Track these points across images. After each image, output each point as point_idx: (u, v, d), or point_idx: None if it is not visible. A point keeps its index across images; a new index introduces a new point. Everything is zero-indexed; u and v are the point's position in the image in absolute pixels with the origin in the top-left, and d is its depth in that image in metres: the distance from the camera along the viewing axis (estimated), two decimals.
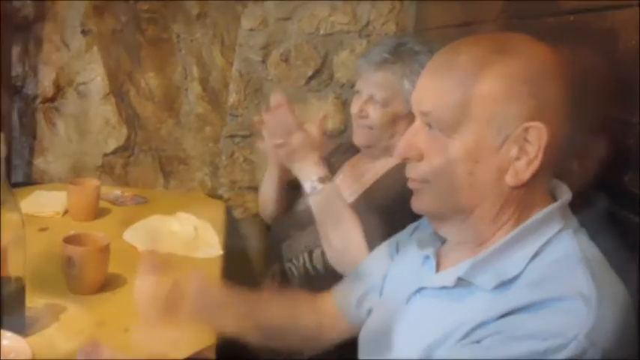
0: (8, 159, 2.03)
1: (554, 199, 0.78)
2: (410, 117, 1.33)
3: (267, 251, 1.76)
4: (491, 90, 0.73)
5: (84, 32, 2.11)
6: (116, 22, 2.18)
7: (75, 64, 2.11)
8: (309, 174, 1.22)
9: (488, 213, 0.76)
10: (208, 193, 2.15)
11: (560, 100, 0.74)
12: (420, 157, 0.78)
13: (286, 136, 1.22)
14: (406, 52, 1.35)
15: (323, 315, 1.06)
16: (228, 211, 2.04)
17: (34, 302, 1.08)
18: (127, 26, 2.20)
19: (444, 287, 0.78)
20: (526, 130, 0.72)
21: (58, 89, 2.12)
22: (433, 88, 0.77)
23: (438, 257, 0.85)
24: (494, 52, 0.74)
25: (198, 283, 0.96)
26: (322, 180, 1.22)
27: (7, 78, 2.00)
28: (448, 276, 0.77)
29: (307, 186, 1.23)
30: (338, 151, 1.61)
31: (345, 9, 1.99)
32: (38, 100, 2.11)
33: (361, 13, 2.00)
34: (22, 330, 0.95)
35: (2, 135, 0.94)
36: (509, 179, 0.74)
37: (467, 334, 0.71)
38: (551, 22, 1.09)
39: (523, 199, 0.76)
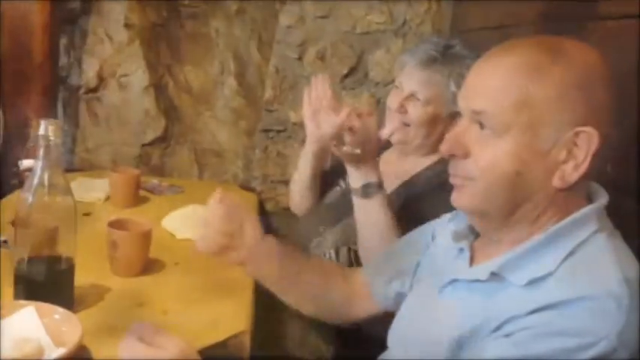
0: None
1: (590, 200, 0.80)
2: (448, 119, 1.35)
3: (297, 244, 1.78)
4: (546, 95, 0.74)
5: (127, 26, 2.17)
6: (158, 17, 2.24)
7: (117, 56, 2.18)
8: (366, 177, 1.21)
9: (531, 213, 0.78)
10: (241, 186, 2.20)
11: (608, 105, 0.76)
12: (467, 154, 0.80)
13: (366, 143, 1.18)
14: (455, 54, 1.34)
15: (353, 289, 1.09)
16: (260, 204, 2.08)
17: (80, 282, 1.13)
18: (168, 21, 2.26)
19: (477, 280, 0.80)
20: (577, 134, 0.74)
21: (101, 80, 2.19)
22: (487, 87, 0.78)
23: (473, 250, 0.87)
24: (550, 57, 0.76)
25: (259, 230, 1.01)
26: (376, 186, 1.21)
27: (55, 69, 2.07)
28: (482, 270, 0.80)
29: (358, 187, 1.21)
30: None
31: (381, 8, 2.02)
32: (82, 91, 2.19)
33: (397, 13, 2.02)
34: (70, 307, 1.00)
35: (57, 122, 0.99)
36: (556, 181, 0.76)
37: (497, 328, 0.73)
38: (590, 26, 1.10)
39: (565, 201, 0.78)
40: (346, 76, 2.05)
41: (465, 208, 0.85)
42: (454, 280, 0.84)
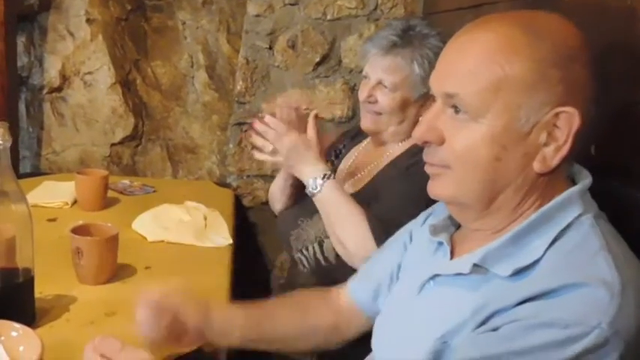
0: (15, 150, 2.03)
1: (573, 182, 0.76)
2: (420, 102, 1.33)
3: (276, 240, 1.74)
4: (523, 74, 0.70)
5: (89, 21, 2.09)
6: (121, 11, 2.16)
7: (80, 53, 2.10)
8: (308, 174, 1.24)
9: (511, 200, 0.74)
10: (217, 182, 2.14)
11: (588, 83, 0.71)
12: (441, 141, 0.75)
13: (276, 141, 1.24)
14: (415, 35, 1.31)
15: (338, 312, 1.03)
16: (237, 200, 2.03)
17: (44, 293, 1.08)
18: (133, 14, 2.19)
19: (459, 274, 0.75)
20: (556, 115, 0.70)
21: (65, 79, 2.11)
22: (459, 68, 0.73)
23: (453, 243, 0.82)
24: (525, 34, 0.71)
25: (198, 311, 0.92)
26: (323, 178, 1.22)
27: (13, 68, 1.98)
28: (463, 263, 0.75)
29: (309, 187, 1.24)
30: (346, 137, 1.58)
31: None
32: (45, 91, 2.11)
33: None
34: (31, 321, 0.94)
35: (5, 124, 0.92)
36: (537, 165, 0.71)
37: (483, 322, 0.69)
38: (567, 1, 1.06)
39: (547, 185, 0.73)
40: (319, 64, 1.99)
41: (442, 198, 0.80)
42: (435, 276, 0.80)
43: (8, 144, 0.91)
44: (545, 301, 0.65)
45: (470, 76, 0.72)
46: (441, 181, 0.77)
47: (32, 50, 2.11)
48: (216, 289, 1.23)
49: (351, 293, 1.03)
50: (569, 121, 0.69)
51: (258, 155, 1.32)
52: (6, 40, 1.85)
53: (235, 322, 0.96)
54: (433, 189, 0.79)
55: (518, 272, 0.70)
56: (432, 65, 1.27)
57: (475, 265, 0.73)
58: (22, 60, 2.08)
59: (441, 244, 0.83)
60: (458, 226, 0.85)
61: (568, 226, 0.71)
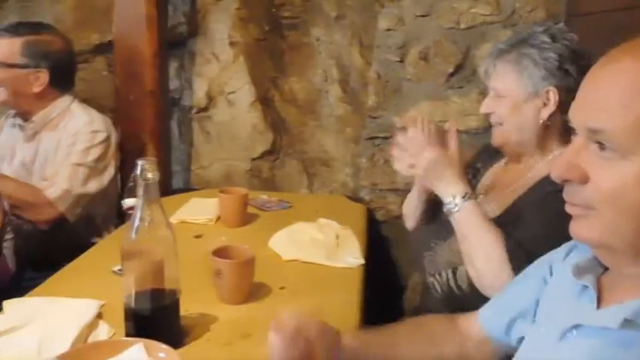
0: (169, 166, 2.22)
1: None
2: (533, 99, 1.25)
3: (409, 259, 1.72)
4: None
5: (231, 44, 2.23)
6: (260, 32, 2.27)
7: (224, 74, 2.25)
8: (448, 193, 1.21)
9: None
10: (350, 195, 2.17)
11: None
12: (584, 180, 0.69)
13: (417, 156, 1.22)
14: (521, 37, 1.28)
15: (467, 338, 1.00)
16: (370, 214, 2.03)
17: (189, 310, 1.15)
18: (270, 34, 2.29)
19: (607, 328, 0.68)
20: None
21: (210, 99, 2.27)
22: (605, 100, 0.67)
23: (599, 288, 0.75)
24: None
25: (328, 339, 0.93)
26: (463, 198, 1.19)
27: (166, 92, 2.17)
28: (612, 315, 0.68)
29: (447, 205, 1.21)
30: (484, 154, 1.51)
31: None
32: (194, 111, 2.28)
33: (505, 2, 1.87)
34: (176, 342, 1.01)
35: (155, 160, 1.02)
36: None
37: None
38: None
39: None
40: (452, 74, 1.93)
41: (586, 242, 0.73)
42: (578, 325, 0.73)
43: (157, 178, 1.00)
44: None
45: (618, 109, 0.65)
46: (584, 223, 0.71)
47: (182, 74, 2.29)
48: (347, 310, 1.24)
49: (482, 322, 0.99)
50: None
51: (396, 166, 1.30)
52: (159, 68, 2.03)
53: (363, 353, 0.96)
54: (577, 231, 0.72)
55: None
56: (535, 62, 1.23)
57: (626, 319, 0.66)
58: (174, 83, 2.28)
59: (585, 287, 0.76)
60: (606, 267, 0.77)
61: None
